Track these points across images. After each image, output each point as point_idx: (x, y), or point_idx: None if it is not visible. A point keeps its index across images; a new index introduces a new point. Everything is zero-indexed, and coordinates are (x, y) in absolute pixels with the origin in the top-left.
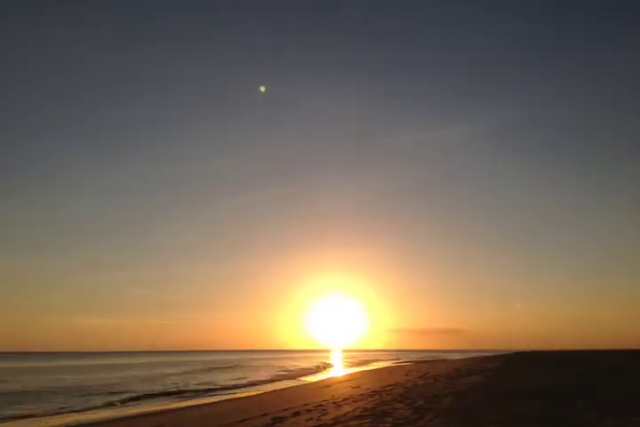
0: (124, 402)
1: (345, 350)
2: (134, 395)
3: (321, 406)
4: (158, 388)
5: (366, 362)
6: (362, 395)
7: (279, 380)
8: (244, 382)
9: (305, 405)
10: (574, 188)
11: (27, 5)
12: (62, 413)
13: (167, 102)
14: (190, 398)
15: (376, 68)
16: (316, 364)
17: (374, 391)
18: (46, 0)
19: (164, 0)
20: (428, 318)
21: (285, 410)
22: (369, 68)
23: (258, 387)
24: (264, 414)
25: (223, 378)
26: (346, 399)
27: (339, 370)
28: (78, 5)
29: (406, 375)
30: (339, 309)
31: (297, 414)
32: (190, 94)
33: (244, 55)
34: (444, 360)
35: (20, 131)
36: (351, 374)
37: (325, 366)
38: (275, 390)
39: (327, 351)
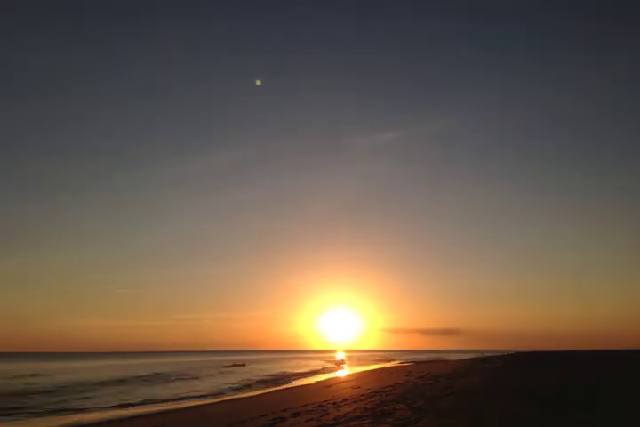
0: None
1: (342, 351)
2: None
3: (321, 406)
4: None
5: (366, 362)
6: (362, 395)
7: None
8: None
9: (305, 405)
10: (574, 186)
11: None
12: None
13: (154, 105)
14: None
15: (348, 68)
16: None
17: (374, 392)
18: None
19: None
20: (426, 319)
21: (286, 410)
22: (341, 68)
23: None
24: (264, 415)
25: None
26: (346, 400)
27: (338, 371)
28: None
29: (406, 376)
30: (334, 310)
31: (297, 414)
32: (176, 96)
33: (232, 57)
34: (444, 361)
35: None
36: (351, 375)
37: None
38: (275, 391)
39: (312, 353)
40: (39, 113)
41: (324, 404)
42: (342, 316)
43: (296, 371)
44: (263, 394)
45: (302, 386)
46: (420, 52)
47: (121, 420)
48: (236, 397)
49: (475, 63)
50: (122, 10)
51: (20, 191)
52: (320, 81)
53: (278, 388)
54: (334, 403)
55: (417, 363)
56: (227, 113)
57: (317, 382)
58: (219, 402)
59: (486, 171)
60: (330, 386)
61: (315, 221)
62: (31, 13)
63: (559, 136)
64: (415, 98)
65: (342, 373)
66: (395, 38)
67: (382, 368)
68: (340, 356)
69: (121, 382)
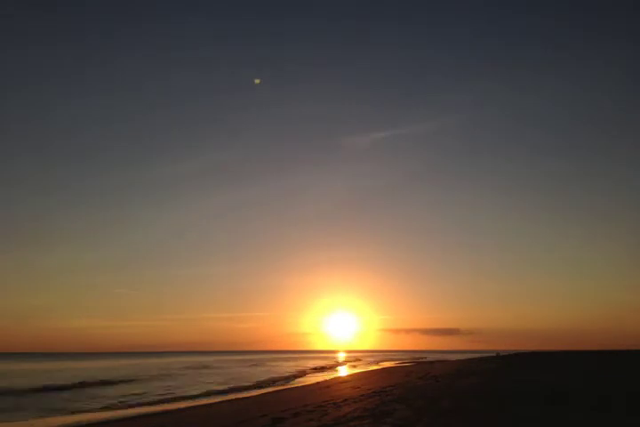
0: None
1: (344, 352)
2: None
3: (321, 406)
4: None
5: (366, 363)
6: (362, 396)
7: None
8: None
9: (305, 405)
10: (572, 186)
11: None
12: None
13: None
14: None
15: (344, 68)
16: None
17: (374, 392)
18: None
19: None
20: (426, 319)
21: (285, 411)
22: (338, 68)
23: None
24: (264, 415)
25: None
26: (346, 400)
27: (339, 371)
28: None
29: (406, 376)
30: (336, 311)
31: (297, 414)
32: (170, 96)
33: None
34: (444, 361)
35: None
36: (352, 375)
37: None
38: (275, 391)
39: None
40: (38, 112)
41: (324, 404)
42: (344, 316)
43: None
44: (263, 394)
45: (302, 386)
46: (416, 52)
47: (121, 420)
48: (235, 397)
49: (470, 63)
50: (121, 6)
51: (18, 191)
52: (317, 81)
53: (278, 388)
54: (334, 403)
55: (417, 363)
56: (226, 112)
57: (317, 383)
58: (218, 402)
59: (483, 170)
60: (330, 386)
61: (315, 221)
62: (31, 10)
63: (556, 135)
64: (409, 97)
65: (343, 373)
66: (391, 38)
67: (382, 369)
68: (340, 356)
69: (123, 381)
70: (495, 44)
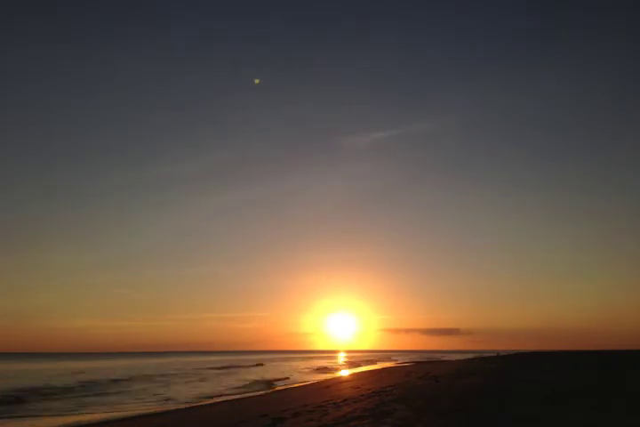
0: None
1: (344, 352)
2: None
3: (321, 406)
4: None
5: (366, 363)
6: (362, 396)
7: None
8: None
9: (305, 405)
10: (572, 185)
11: None
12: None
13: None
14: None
15: (341, 68)
16: None
17: (374, 392)
18: None
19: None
20: (426, 319)
21: (285, 411)
22: (334, 68)
23: None
24: (264, 415)
25: None
26: (346, 400)
27: (340, 370)
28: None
29: (406, 376)
30: (336, 311)
31: (297, 414)
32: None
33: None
34: (444, 361)
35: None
36: (352, 375)
37: None
38: (275, 391)
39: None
40: (38, 112)
41: (324, 404)
42: (345, 316)
43: None
44: (263, 394)
45: (302, 386)
46: (416, 52)
47: (121, 420)
48: (235, 397)
49: (470, 63)
50: (121, 6)
51: (18, 192)
52: (317, 81)
53: (278, 388)
54: (334, 403)
55: (417, 363)
56: (226, 112)
57: (318, 383)
58: (219, 402)
59: (482, 170)
60: (330, 386)
61: (315, 222)
62: (31, 11)
63: (556, 136)
64: (409, 97)
65: (343, 373)
66: (391, 38)
67: (382, 369)
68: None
69: (123, 381)
70: (495, 44)
